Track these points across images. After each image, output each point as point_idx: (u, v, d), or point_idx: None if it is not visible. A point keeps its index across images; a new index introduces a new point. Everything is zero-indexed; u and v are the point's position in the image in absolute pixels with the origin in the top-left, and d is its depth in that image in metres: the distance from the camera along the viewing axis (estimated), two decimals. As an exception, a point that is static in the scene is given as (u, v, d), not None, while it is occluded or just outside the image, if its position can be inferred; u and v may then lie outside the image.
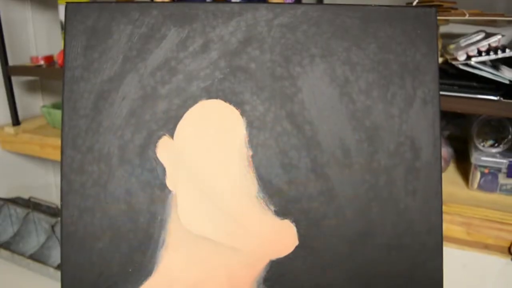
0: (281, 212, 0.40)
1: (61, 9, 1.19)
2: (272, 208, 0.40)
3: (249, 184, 0.40)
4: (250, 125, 0.40)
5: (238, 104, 0.40)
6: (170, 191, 0.40)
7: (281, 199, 0.40)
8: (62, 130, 0.40)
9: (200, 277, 0.40)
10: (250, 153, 0.40)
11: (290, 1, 0.68)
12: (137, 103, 0.40)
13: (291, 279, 0.41)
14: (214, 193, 0.40)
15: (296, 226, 0.40)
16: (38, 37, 1.32)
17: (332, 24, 0.41)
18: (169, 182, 0.40)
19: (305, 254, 0.41)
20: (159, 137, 0.40)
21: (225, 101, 0.40)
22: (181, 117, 0.40)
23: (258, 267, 0.40)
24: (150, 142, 0.40)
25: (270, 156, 0.40)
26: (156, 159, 0.40)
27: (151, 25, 0.41)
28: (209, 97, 0.40)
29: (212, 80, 0.40)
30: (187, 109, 0.40)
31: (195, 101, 0.40)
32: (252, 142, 0.40)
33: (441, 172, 0.42)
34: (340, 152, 0.41)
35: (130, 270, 0.40)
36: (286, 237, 0.40)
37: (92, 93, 0.40)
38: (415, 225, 0.41)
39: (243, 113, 0.40)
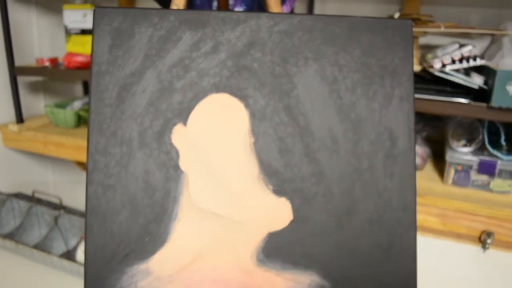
0: (279, 191, 0.47)
1: (66, 14, 1.25)
2: (271, 187, 0.47)
3: (251, 166, 0.46)
4: (252, 116, 0.47)
5: (242, 98, 0.47)
6: (182, 171, 0.46)
7: (278, 180, 0.47)
8: (89, 117, 0.47)
9: (208, 246, 0.46)
10: (252, 140, 0.47)
11: (286, 11, 0.76)
12: (155, 95, 0.47)
13: (286, 249, 0.47)
14: (221, 174, 0.46)
15: (291, 203, 0.47)
16: (41, 40, 1.37)
17: (323, 31, 0.48)
18: (182, 164, 0.46)
19: (299, 227, 0.47)
20: (174, 125, 0.46)
21: (232, 95, 0.47)
22: (193, 108, 0.47)
23: (258, 239, 0.46)
24: (166, 129, 0.47)
25: (269, 142, 0.47)
26: (171, 144, 0.46)
27: (168, 29, 0.47)
28: (218, 91, 0.47)
29: (220, 77, 0.47)
30: (198, 101, 0.47)
31: (205, 95, 0.47)
32: (254, 130, 0.47)
33: (415, 158, 0.49)
34: (329, 140, 0.47)
35: (146, 239, 0.46)
36: (283, 212, 0.46)
37: (116, 85, 0.47)
38: (393, 203, 0.48)
39: (246, 106, 0.47)
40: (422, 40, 0.93)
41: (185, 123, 0.46)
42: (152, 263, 0.46)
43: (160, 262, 0.46)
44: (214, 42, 0.47)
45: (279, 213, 0.46)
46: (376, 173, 0.48)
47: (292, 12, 0.83)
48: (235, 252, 0.47)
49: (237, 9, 0.73)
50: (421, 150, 0.85)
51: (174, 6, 0.52)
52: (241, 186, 0.46)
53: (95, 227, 0.46)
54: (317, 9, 1.13)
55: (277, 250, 0.47)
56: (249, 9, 0.75)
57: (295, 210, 0.47)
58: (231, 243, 0.47)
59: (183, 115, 0.47)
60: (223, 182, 0.46)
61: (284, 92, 0.47)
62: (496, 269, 0.77)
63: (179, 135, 0.46)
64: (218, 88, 0.47)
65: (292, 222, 0.47)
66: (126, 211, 0.46)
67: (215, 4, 0.76)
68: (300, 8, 1.16)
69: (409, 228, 0.49)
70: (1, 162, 1.28)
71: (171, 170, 0.46)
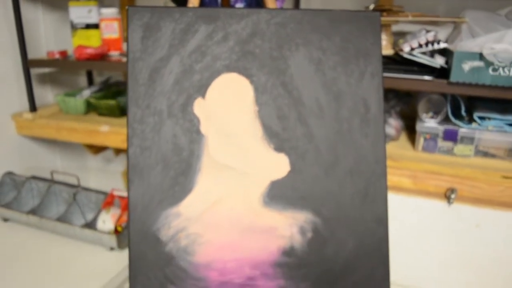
0: (278, 148, 0.60)
1: (72, 10, 1.35)
2: (272, 145, 0.59)
3: (256, 129, 0.59)
4: (256, 90, 0.60)
5: (248, 76, 0.60)
6: (203, 135, 0.59)
7: (278, 140, 0.60)
8: (127, 94, 0.59)
9: (224, 193, 0.59)
10: (256, 108, 0.59)
11: (279, 7, 0.88)
12: (179, 75, 0.59)
13: (285, 193, 0.60)
14: (233, 136, 0.59)
15: (288, 158, 0.60)
16: (47, 35, 1.48)
17: (310, 23, 0.61)
18: (202, 129, 0.59)
19: (294, 176, 0.60)
20: (195, 98, 0.59)
21: (239, 74, 0.59)
22: (210, 84, 0.59)
23: (263, 186, 0.59)
24: (189, 102, 0.59)
25: (270, 111, 0.60)
26: (193, 113, 0.59)
27: (187, 23, 0.59)
28: (228, 71, 0.59)
29: (230, 60, 0.60)
30: (213, 79, 0.59)
31: (219, 74, 0.59)
32: (258, 101, 0.59)
33: (384, 122, 0.62)
34: (316, 108, 0.60)
35: (176, 189, 0.59)
36: (282, 165, 0.59)
37: (148, 69, 0.59)
38: (368, 157, 0.61)
39: (251, 82, 0.59)
40: (395, 28, 1.07)
41: (203, 97, 0.59)
42: (181, 207, 0.59)
43: (187, 206, 0.59)
44: (224, 32, 0.60)
45: (279, 165, 0.59)
46: (354, 134, 0.61)
47: (281, 8, 0.95)
48: (246, 197, 0.60)
49: (237, 5, 0.85)
50: (395, 123, 0.99)
51: (190, 4, 0.65)
52: (249, 144, 0.59)
53: (135, 180, 0.59)
54: (303, 4, 1.26)
55: (278, 194, 0.60)
56: (248, 5, 0.88)
57: (292, 163, 0.60)
58: (242, 189, 0.59)
59: (202, 90, 0.59)
60: (235, 142, 0.59)
61: (280, 71, 0.60)
62: (459, 220, 0.91)
63: (200, 106, 0.59)
64: (228, 68, 0.59)
65: (289, 172, 0.60)
66: (159, 167, 0.59)
67: (219, 1, 0.88)
68: (288, 4, 1.29)
69: (381, 177, 0.62)
70: (14, 149, 1.39)
71: (194, 134, 0.59)
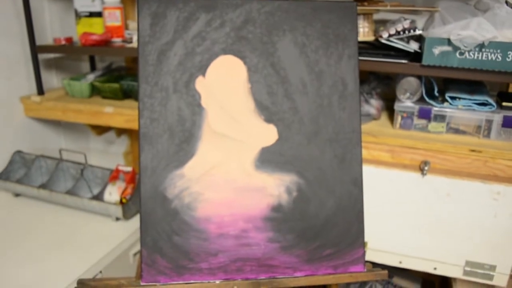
0: (268, 120, 0.70)
1: (76, 0, 1.43)
2: (263, 117, 0.69)
3: (249, 103, 0.69)
4: (249, 70, 0.69)
5: (242, 58, 0.69)
6: (203, 108, 0.69)
7: (267, 112, 0.70)
8: (138, 73, 0.68)
9: (222, 157, 0.69)
10: (249, 86, 0.69)
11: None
12: (183, 57, 0.68)
13: (273, 158, 0.70)
14: (229, 109, 0.69)
15: (277, 128, 0.70)
16: (53, 23, 1.55)
17: (295, 11, 0.71)
18: (203, 103, 0.69)
19: (281, 144, 0.70)
20: (197, 77, 0.68)
21: (234, 56, 0.69)
22: (209, 65, 0.68)
23: (255, 151, 0.69)
24: (191, 80, 0.69)
25: (260, 88, 0.69)
26: (195, 89, 0.68)
27: (190, 11, 0.69)
28: (225, 53, 0.69)
29: (226, 44, 0.69)
30: (212, 61, 0.69)
31: (217, 56, 0.69)
32: (250, 79, 0.69)
33: (359, 98, 0.72)
34: (301, 85, 0.70)
35: (180, 154, 0.69)
36: (271, 134, 0.69)
37: (156, 51, 0.68)
38: (345, 128, 0.71)
39: (245, 63, 0.69)
40: (377, 16, 1.16)
41: (204, 75, 0.69)
42: (185, 170, 0.69)
43: (190, 169, 0.69)
44: (221, 20, 0.69)
45: (268, 134, 0.69)
46: (333, 108, 0.71)
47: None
48: (240, 161, 0.70)
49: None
50: (376, 103, 1.09)
51: (191, -5, 0.74)
52: (243, 116, 0.69)
53: (146, 147, 0.68)
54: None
55: (268, 159, 0.70)
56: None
57: (279, 132, 0.70)
58: (237, 155, 0.69)
59: (202, 70, 0.69)
60: (231, 114, 0.69)
61: (269, 54, 0.70)
62: (432, 189, 1.02)
63: (200, 83, 0.68)
64: (225, 51, 0.69)
65: (277, 140, 0.70)
66: (166, 135, 0.68)
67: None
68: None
69: (356, 145, 0.73)
70: (22, 130, 1.48)
71: (196, 107, 0.69)
